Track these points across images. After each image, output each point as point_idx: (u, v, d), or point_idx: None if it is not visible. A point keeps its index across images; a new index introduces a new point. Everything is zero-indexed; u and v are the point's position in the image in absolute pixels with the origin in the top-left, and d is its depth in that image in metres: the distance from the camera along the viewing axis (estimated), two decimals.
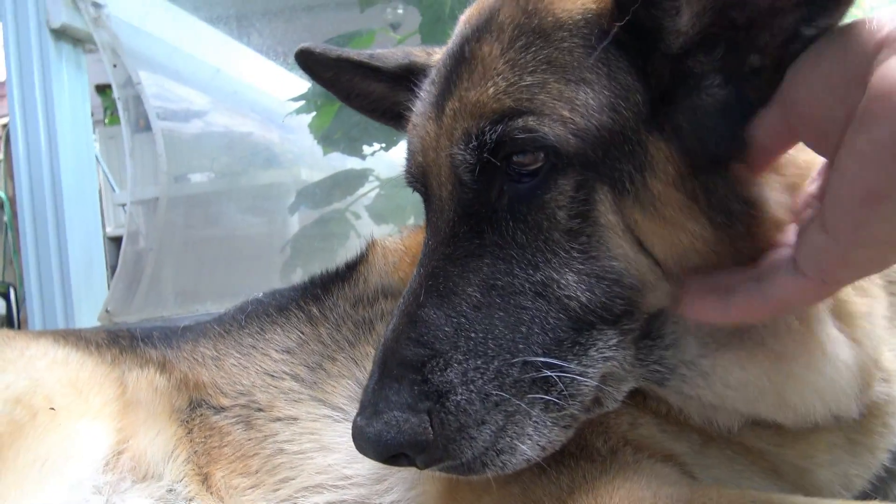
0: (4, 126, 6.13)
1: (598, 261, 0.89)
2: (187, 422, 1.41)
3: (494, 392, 0.88)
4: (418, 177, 1.06)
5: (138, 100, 2.96)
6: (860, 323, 1.00)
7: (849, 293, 1.00)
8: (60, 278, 2.97)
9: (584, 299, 0.89)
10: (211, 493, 1.29)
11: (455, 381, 0.89)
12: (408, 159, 1.09)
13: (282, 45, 3.67)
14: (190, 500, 1.29)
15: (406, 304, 0.96)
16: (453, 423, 0.88)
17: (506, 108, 0.89)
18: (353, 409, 1.28)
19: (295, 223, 3.78)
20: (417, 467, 0.92)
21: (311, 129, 3.35)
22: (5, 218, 6.90)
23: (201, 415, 1.41)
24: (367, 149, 3.23)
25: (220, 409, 1.39)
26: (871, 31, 0.75)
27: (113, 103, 3.04)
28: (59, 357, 1.51)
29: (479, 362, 0.89)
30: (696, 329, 0.94)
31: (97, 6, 2.81)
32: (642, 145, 0.88)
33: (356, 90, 1.36)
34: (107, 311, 2.90)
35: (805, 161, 0.93)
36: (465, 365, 0.89)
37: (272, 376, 1.39)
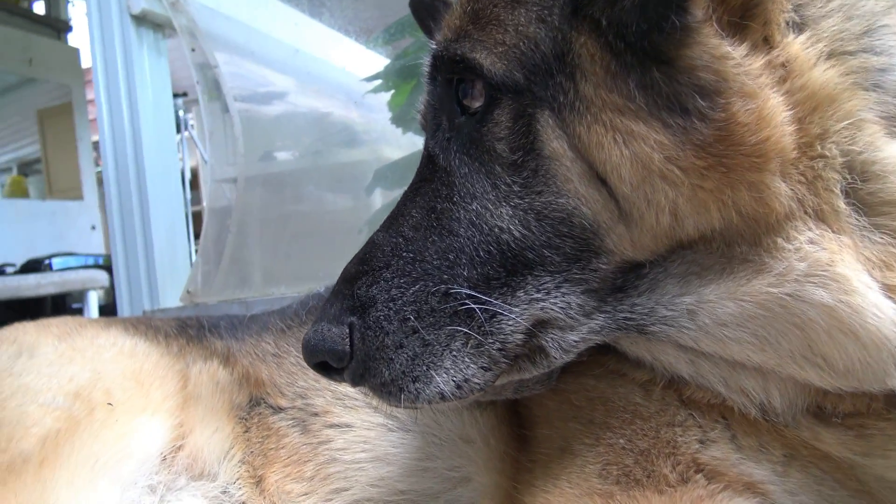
0: None
1: (542, 196, 0.86)
2: (245, 420, 1.37)
3: (412, 317, 0.88)
4: (423, 114, 1.08)
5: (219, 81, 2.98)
6: None
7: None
8: (145, 257, 3.05)
9: (517, 234, 0.87)
10: (264, 498, 1.25)
11: (377, 297, 0.91)
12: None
13: (353, 23, 3.62)
14: (242, 503, 1.26)
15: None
16: (372, 340, 0.90)
17: (452, 35, 0.93)
18: (408, 418, 1.21)
19: (377, 201, 3.74)
20: (347, 382, 0.94)
21: (389, 107, 3.30)
22: None
23: (260, 413, 1.37)
24: None
25: (278, 410, 1.35)
26: None
27: None
28: (127, 347, 1.52)
29: (402, 281, 0.90)
30: (677, 268, 0.84)
31: None
32: (568, 45, 0.85)
33: None
34: (188, 291, 2.96)
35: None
36: (390, 283, 0.91)
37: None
